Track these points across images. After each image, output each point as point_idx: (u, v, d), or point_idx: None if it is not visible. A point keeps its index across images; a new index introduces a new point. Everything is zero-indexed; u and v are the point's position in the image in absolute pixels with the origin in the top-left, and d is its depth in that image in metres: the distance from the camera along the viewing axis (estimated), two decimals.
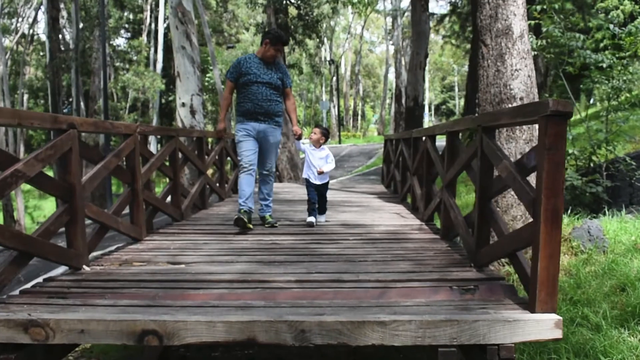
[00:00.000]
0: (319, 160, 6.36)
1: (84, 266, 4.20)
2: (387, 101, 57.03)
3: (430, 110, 63.62)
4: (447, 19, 28.11)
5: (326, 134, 6.47)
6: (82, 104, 25.97)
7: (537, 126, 5.90)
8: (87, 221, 4.36)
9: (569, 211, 7.05)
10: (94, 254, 8.66)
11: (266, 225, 6.13)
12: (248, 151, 6.08)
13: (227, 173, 9.72)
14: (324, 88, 55.21)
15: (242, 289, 3.60)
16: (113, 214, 4.96)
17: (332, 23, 44.23)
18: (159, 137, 22.05)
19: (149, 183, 6.05)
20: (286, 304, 3.25)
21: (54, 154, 3.88)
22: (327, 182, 6.53)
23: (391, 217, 7.11)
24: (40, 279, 4.08)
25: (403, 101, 27.09)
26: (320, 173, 6.30)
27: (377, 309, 3.14)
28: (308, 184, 6.40)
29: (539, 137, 3.02)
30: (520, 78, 5.44)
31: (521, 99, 5.42)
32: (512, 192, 5.53)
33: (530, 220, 5.79)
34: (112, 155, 4.91)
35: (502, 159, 3.64)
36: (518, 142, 5.45)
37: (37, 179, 3.72)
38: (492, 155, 3.86)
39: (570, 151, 8.21)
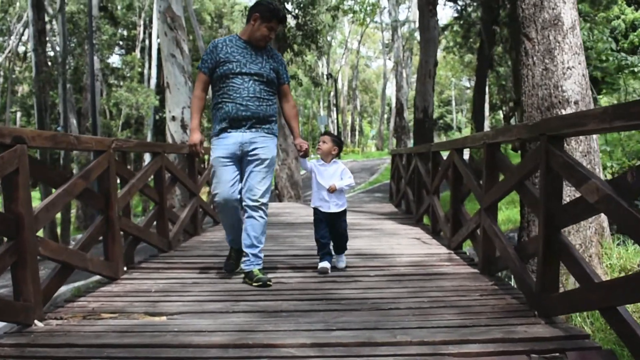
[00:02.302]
0: (330, 179, 4.57)
1: (36, 321, 3.24)
2: (385, 116, 56.24)
3: None
4: (447, 30, 27.34)
5: (339, 144, 4.69)
6: (74, 121, 25.07)
7: (595, 137, 5.04)
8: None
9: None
10: (68, 286, 7.72)
11: (254, 284, 4.09)
12: (225, 183, 4.26)
13: None
14: (322, 103, 54.44)
15: (240, 359, 2.64)
16: (80, 249, 4.00)
17: (328, 37, 43.57)
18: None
19: (129, 209, 5.10)
20: None
21: None
22: (345, 214, 4.71)
23: (411, 243, 6.16)
24: None
25: (405, 115, 26.32)
26: (332, 191, 4.51)
27: None
28: (317, 216, 4.66)
29: None
30: (573, 77, 4.53)
31: (576, 102, 4.51)
32: None
33: (593, 250, 4.93)
34: (78, 176, 3.95)
35: (587, 177, 2.71)
36: (574, 154, 4.53)
37: None
38: (568, 172, 2.93)
39: (608, 164, 7.30)
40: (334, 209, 4.59)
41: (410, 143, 25.02)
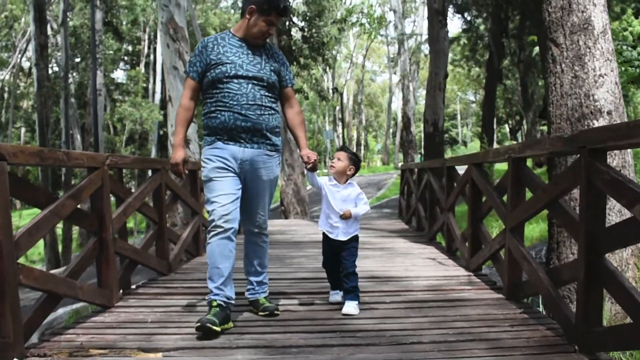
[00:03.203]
0: (342, 203, 3.88)
1: None
2: (390, 130, 56.02)
3: None
4: (454, 43, 27.12)
5: (356, 162, 3.96)
6: (78, 136, 24.85)
7: (629, 150, 4.68)
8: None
9: None
10: (66, 309, 7.35)
11: (260, 314, 3.75)
12: (224, 197, 3.52)
13: None
14: (327, 118, 54.24)
15: None
16: (70, 276, 3.65)
17: (334, 51, 43.55)
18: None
19: (125, 230, 4.75)
20: None
21: None
22: (355, 242, 3.99)
23: (426, 264, 5.80)
24: None
25: (412, 129, 26.02)
26: (346, 218, 3.83)
27: None
28: (325, 242, 4.05)
29: None
30: (606, 86, 4.18)
31: (609, 113, 4.16)
32: None
33: (630, 273, 4.55)
34: (67, 196, 3.61)
35: None
36: None
37: None
38: (616, 190, 2.59)
39: (637, 181, 6.93)
40: (342, 237, 3.90)
41: (417, 157, 24.70)
